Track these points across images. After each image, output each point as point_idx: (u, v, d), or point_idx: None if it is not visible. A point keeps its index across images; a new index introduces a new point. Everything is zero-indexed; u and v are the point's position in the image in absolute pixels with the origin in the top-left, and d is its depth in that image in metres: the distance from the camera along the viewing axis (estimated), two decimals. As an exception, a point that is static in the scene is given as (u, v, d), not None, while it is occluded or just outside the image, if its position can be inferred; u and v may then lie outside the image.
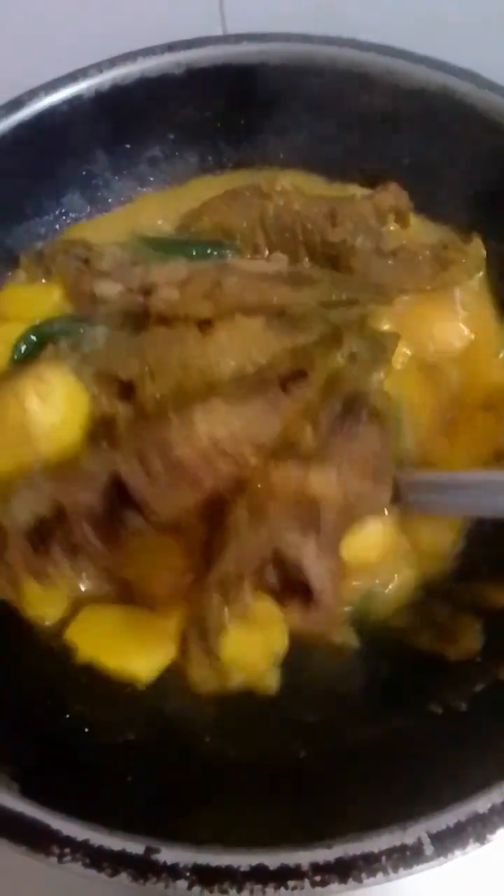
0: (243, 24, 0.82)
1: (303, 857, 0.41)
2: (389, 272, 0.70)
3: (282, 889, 0.40)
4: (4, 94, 0.74)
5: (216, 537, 0.48)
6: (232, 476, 0.48)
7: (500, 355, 0.71)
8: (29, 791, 0.44)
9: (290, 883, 0.41)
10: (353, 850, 0.41)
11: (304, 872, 0.41)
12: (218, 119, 0.81)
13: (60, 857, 0.41)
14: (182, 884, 0.41)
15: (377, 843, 0.42)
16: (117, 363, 0.61)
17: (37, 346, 0.67)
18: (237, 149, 0.83)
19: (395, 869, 0.41)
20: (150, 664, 0.56)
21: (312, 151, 0.81)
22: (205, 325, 0.61)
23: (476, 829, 0.42)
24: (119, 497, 0.48)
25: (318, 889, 0.41)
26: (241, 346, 0.59)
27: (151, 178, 0.83)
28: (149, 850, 0.42)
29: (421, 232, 0.77)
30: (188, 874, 0.41)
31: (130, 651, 0.56)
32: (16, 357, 0.67)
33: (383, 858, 0.41)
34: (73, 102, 0.75)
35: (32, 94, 0.74)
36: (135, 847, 0.42)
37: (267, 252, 0.73)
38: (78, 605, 0.59)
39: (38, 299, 0.71)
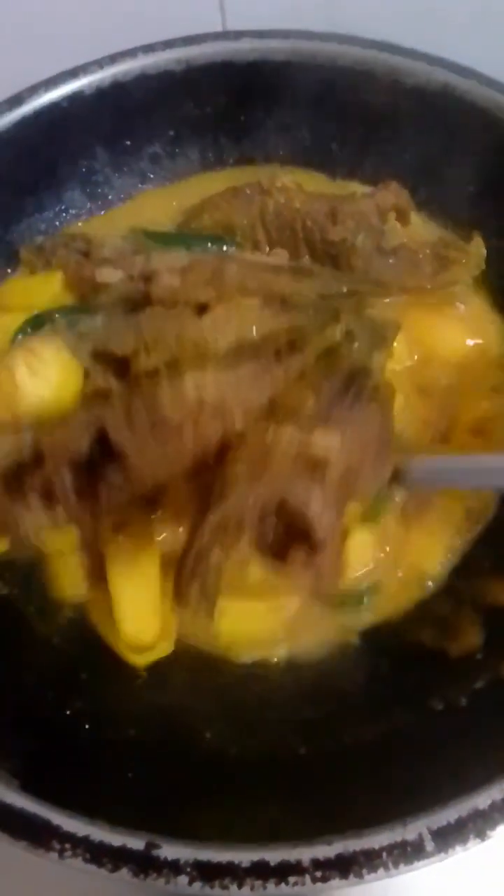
0: (244, 21, 0.83)
1: (304, 853, 0.41)
2: (390, 270, 0.70)
3: (282, 885, 0.40)
4: (4, 91, 0.73)
5: (214, 487, 0.47)
6: (217, 438, 0.48)
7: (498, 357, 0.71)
8: (30, 786, 0.44)
9: (291, 879, 0.41)
10: (354, 846, 0.41)
11: (304, 868, 0.41)
12: (219, 116, 0.81)
13: (61, 853, 0.41)
14: (183, 879, 0.41)
15: (378, 838, 0.42)
16: (114, 340, 0.60)
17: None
18: (238, 145, 0.83)
19: (396, 865, 0.41)
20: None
21: (313, 148, 0.81)
22: (203, 308, 0.60)
23: (476, 825, 0.42)
24: (101, 451, 0.47)
25: (319, 885, 0.41)
26: (238, 324, 0.59)
27: (152, 175, 0.83)
28: (150, 846, 0.42)
29: (421, 230, 0.77)
30: (189, 870, 0.41)
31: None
32: (14, 347, 0.66)
33: (384, 854, 0.41)
34: (74, 99, 0.75)
35: (33, 90, 0.74)
36: (136, 843, 0.42)
37: (267, 249, 0.73)
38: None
39: (38, 290, 0.71)
